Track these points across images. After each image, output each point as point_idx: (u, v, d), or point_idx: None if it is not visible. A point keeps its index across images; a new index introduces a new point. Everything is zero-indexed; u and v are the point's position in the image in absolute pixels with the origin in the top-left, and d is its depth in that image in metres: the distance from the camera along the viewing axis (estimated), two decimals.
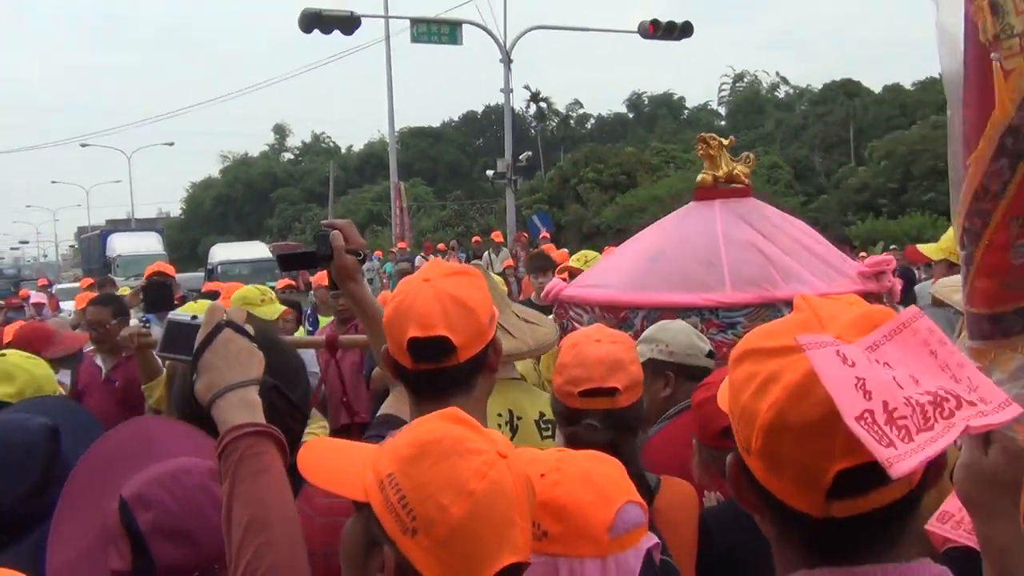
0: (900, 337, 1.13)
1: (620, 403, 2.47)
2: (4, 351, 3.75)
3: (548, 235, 22.41)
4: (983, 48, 1.57)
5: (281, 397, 1.95)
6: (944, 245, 6.54)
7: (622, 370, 2.50)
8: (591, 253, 8.12)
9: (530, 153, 35.55)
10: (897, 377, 1.09)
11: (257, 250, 33.29)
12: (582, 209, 42.40)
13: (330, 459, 1.53)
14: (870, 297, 3.98)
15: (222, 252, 32.82)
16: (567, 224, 41.12)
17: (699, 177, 4.93)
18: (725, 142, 4.88)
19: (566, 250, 12.29)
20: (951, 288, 3.72)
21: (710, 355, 3.52)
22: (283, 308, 6.72)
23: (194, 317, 1.94)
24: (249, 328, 1.82)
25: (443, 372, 2.06)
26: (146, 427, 2.26)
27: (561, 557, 1.61)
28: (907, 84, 59.36)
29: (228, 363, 1.74)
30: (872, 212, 38.65)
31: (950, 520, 1.90)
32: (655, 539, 1.71)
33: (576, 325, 4.42)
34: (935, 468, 1.18)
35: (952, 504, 1.92)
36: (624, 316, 4.41)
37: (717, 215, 4.69)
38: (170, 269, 7.55)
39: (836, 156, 49.84)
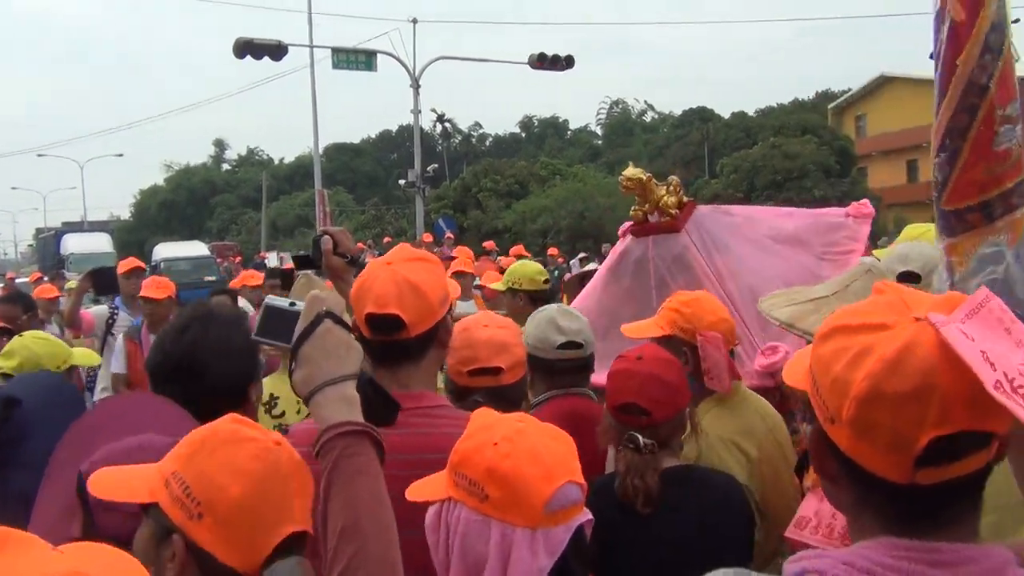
0: (979, 316, 1.06)
1: (504, 381, 2.44)
2: (22, 333, 3.73)
3: (452, 236, 22.40)
4: None
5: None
6: (910, 235, 6.20)
7: (507, 351, 2.47)
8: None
9: (436, 166, 35.39)
10: (1000, 351, 1.03)
11: (196, 248, 32.71)
12: (482, 214, 42.56)
13: (116, 473, 1.48)
14: None
15: (165, 250, 32.11)
16: (469, 227, 41.11)
17: (631, 212, 3.98)
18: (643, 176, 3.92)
19: (468, 248, 12.30)
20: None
21: (570, 345, 2.90)
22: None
23: (292, 304, 1.66)
24: (348, 319, 1.57)
25: (395, 344, 2.04)
26: (125, 403, 2.20)
27: (495, 520, 1.56)
28: (751, 112, 60.93)
29: (327, 356, 1.49)
30: None
31: (807, 526, 1.79)
32: (588, 515, 1.62)
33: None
34: (1002, 445, 1.11)
35: (808, 508, 1.84)
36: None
37: (651, 265, 3.90)
38: (142, 264, 7.29)
39: (693, 171, 50.66)
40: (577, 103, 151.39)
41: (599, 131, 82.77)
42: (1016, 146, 1.42)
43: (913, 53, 48.40)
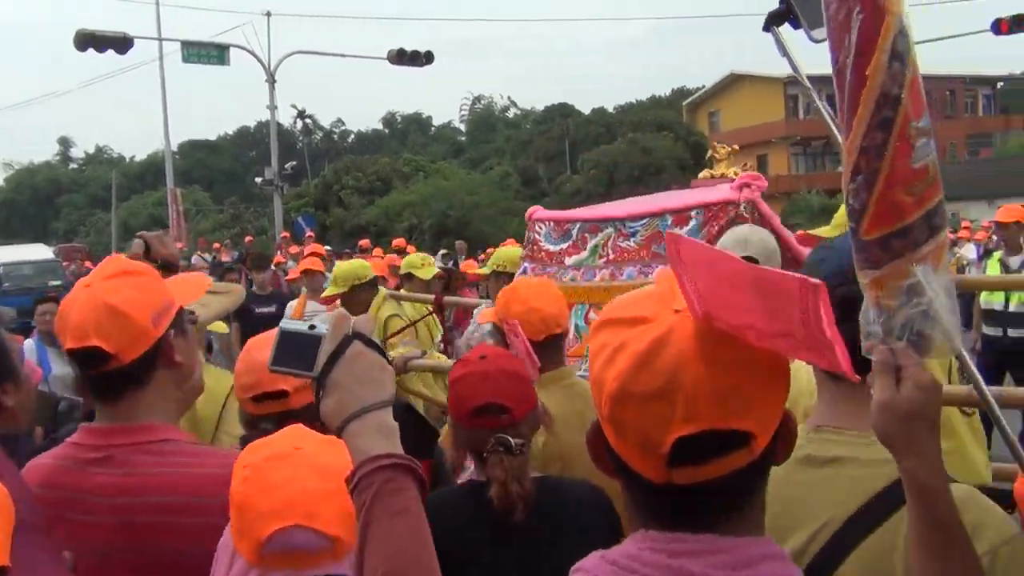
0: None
1: (292, 404, 2.15)
2: None
3: (313, 234, 21.94)
4: None
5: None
6: (840, 222, 6.56)
7: None
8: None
9: (295, 163, 34.65)
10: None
11: (39, 252, 30.83)
12: (344, 212, 41.94)
13: None
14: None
15: (5, 254, 30.16)
16: (331, 224, 40.49)
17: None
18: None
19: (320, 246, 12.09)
20: None
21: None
22: (437, 270, 7.25)
23: (312, 327, 1.45)
24: (377, 339, 1.39)
25: (110, 375, 1.84)
26: None
27: (231, 547, 1.52)
28: (610, 108, 62.20)
29: (360, 381, 1.31)
30: None
31: None
32: (338, 572, 1.49)
33: (536, 236, 4.64)
34: (783, 443, 1.11)
35: None
36: (566, 229, 4.53)
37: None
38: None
39: (556, 166, 51.32)
40: (441, 99, 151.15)
41: (463, 127, 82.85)
42: (932, 162, 1.30)
43: (760, 52, 50.44)
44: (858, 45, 1.28)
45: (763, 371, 1.06)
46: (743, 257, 2.86)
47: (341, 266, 5.99)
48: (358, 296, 5.64)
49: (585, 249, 4.38)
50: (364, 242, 21.87)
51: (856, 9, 1.29)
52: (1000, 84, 54.16)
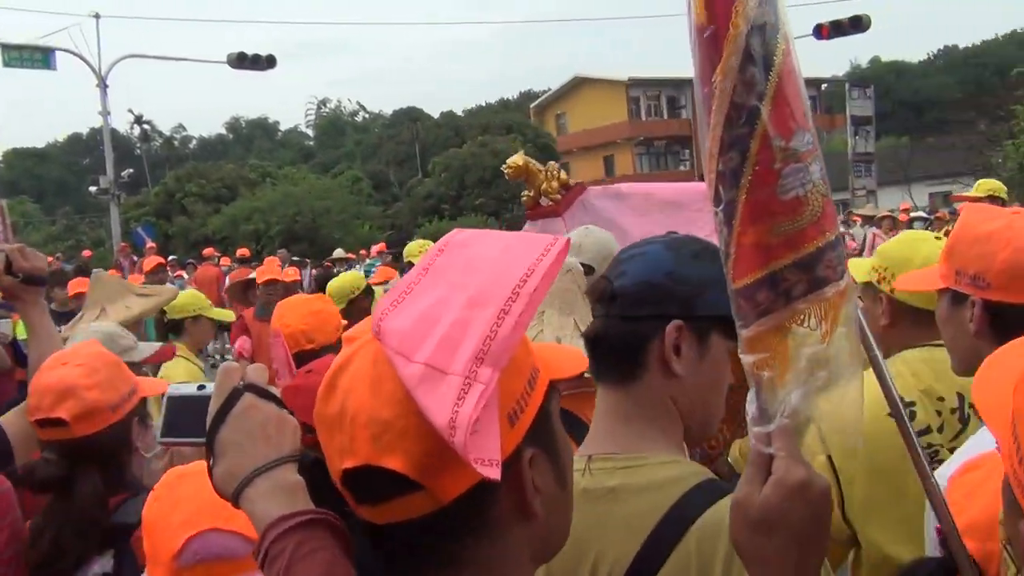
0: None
1: (74, 433, 1.98)
2: None
3: (155, 245, 21.03)
4: None
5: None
6: (988, 187, 7.08)
7: (73, 397, 2.00)
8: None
9: (133, 171, 33.11)
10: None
11: None
12: (188, 220, 40.28)
13: None
14: None
15: None
16: (174, 234, 38.84)
17: (522, 196, 4.09)
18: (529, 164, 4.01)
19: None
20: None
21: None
22: None
23: (201, 387, 1.30)
24: (275, 390, 1.22)
25: None
26: None
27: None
28: (459, 111, 62.42)
29: (252, 439, 1.13)
30: (437, 215, 40.08)
31: None
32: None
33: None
34: (511, 494, 0.96)
35: None
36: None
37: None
38: None
39: (407, 170, 51.09)
40: (288, 103, 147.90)
41: (310, 132, 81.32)
42: (814, 193, 1.02)
43: (603, 55, 51.69)
44: (703, 45, 1.05)
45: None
46: (581, 263, 2.85)
47: (334, 284, 5.89)
48: (357, 307, 5.62)
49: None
50: (209, 250, 21.13)
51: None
52: (824, 85, 57.46)
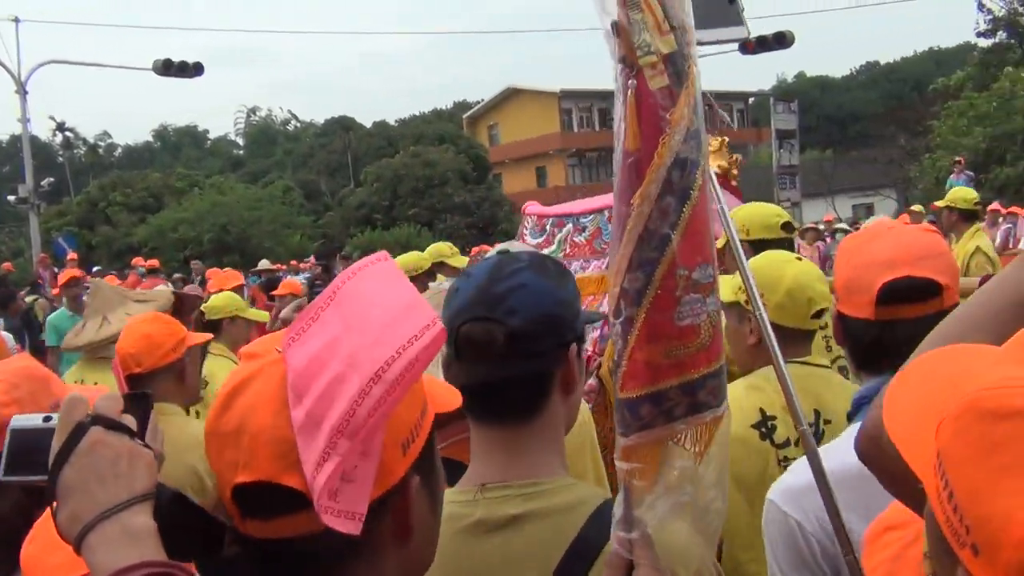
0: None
1: None
2: None
3: (76, 256, 20.44)
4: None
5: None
6: (955, 196, 7.22)
7: None
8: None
9: (53, 179, 32.18)
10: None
11: None
12: (112, 230, 39.30)
13: None
14: None
15: None
16: (98, 244, 37.86)
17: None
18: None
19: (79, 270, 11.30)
20: None
21: None
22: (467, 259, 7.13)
23: (47, 418, 1.15)
24: (129, 421, 1.08)
25: None
26: None
27: None
28: (392, 121, 62.16)
29: (100, 479, 1.01)
30: (369, 225, 39.80)
31: None
32: None
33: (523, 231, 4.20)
34: (395, 518, 1.00)
35: None
36: (542, 223, 4.28)
37: None
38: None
39: (339, 179, 50.66)
40: (218, 111, 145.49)
41: (240, 140, 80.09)
42: (707, 324, 1.08)
43: (535, 66, 52.06)
44: (629, 164, 1.09)
45: None
46: None
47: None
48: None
49: (553, 243, 4.41)
50: (138, 260, 20.60)
51: (623, 120, 1.09)
52: (751, 99, 58.69)
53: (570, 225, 4.36)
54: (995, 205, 14.16)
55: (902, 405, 0.90)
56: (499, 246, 3.74)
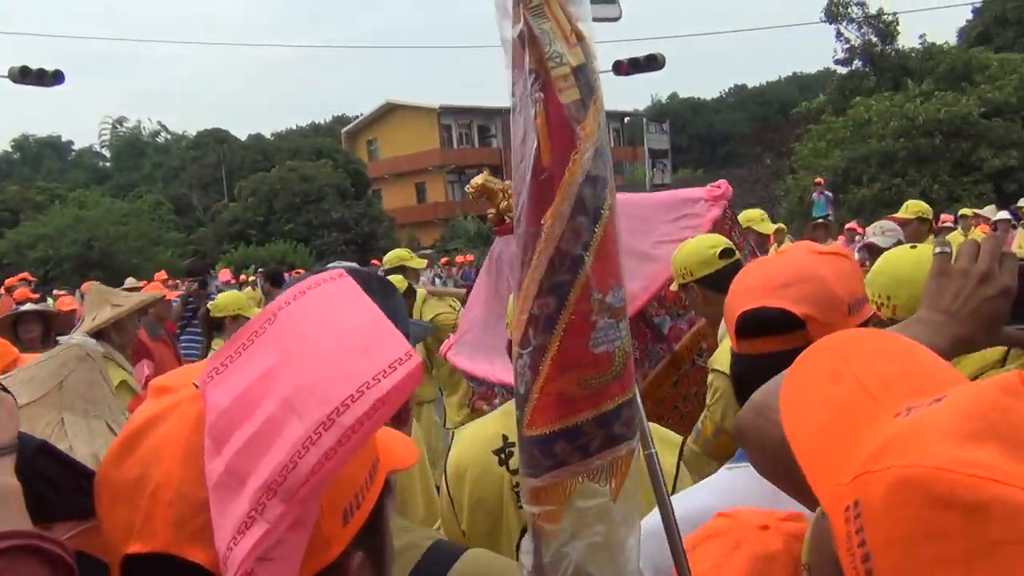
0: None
1: None
2: None
3: None
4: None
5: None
6: (914, 210, 7.14)
7: None
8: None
9: None
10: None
11: None
12: None
13: None
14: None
15: None
16: None
17: (488, 214, 4.13)
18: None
19: None
20: None
21: None
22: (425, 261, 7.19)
23: None
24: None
25: None
26: None
27: None
28: (267, 134, 60.93)
29: None
30: (244, 241, 38.85)
31: None
32: None
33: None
34: None
35: None
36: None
37: (502, 264, 4.04)
38: None
39: (212, 194, 49.25)
40: (83, 122, 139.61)
41: (106, 152, 76.92)
42: (621, 350, 1.02)
43: (413, 83, 52.03)
44: (538, 184, 1.01)
45: None
46: None
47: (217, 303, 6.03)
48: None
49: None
50: (23, 275, 19.37)
51: (532, 136, 1.01)
52: (626, 119, 60.14)
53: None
54: (852, 224, 14.93)
55: (806, 405, 0.82)
56: (332, 265, 3.67)
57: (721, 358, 3.05)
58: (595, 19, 1.53)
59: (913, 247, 2.44)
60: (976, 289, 1.16)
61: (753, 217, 7.43)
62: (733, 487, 1.57)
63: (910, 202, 8.00)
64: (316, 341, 0.78)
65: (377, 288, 1.28)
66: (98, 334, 4.50)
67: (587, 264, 0.99)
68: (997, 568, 0.61)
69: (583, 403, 1.00)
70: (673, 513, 1.07)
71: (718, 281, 3.13)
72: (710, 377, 3.16)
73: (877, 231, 7.11)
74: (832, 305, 1.59)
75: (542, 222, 1.00)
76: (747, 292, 1.64)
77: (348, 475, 0.79)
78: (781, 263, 1.70)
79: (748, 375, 1.51)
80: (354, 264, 3.63)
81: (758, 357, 1.57)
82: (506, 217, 4.00)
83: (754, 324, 1.59)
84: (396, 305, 1.32)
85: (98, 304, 4.73)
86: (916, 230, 7.36)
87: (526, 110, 1.01)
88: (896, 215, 7.67)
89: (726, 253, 3.29)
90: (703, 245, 3.33)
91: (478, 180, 4.10)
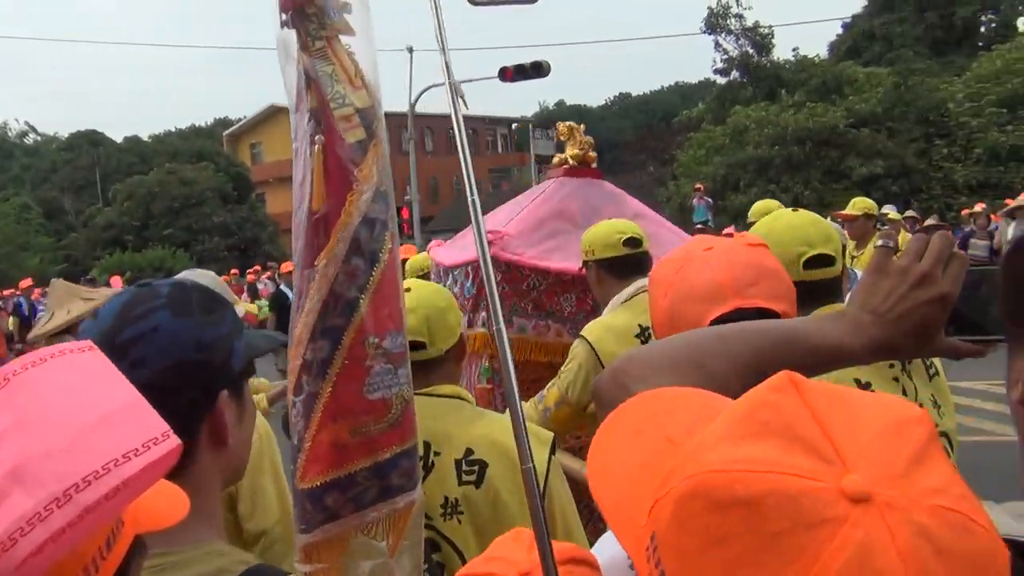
0: None
1: None
2: None
3: None
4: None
5: None
6: (758, 209, 6.61)
7: None
8: None
9: None
10: None
11: None
12: None
13: None
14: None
15: None
16: None
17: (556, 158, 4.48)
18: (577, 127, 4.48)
19: None
20: None
21: None
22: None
23: None
24: None
25: None
26: None
27: None
28: (145, 136, 58.89)
29: None
30: (119, 247, 37.43)
31: None
32: None
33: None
34: None
35: None
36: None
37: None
38: None
39: (86, 198, 47.21)
40: None
41: None
42: (399, 397, 0.97)
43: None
44: (315, 224, 0.97)
45: None
46: None
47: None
48: None
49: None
50: None
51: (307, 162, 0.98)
52: (514, 125, 60.61)
53: (449, 279, 4.20)
54: (730, 229, 15.36)
55: (611, 463, 0.80)
56: (185, 273, 3.48)
57: (594, 329, 3.04)
58: (510, 2, 1.45)
59: (795, 211, 2.38)
60: (910, 291, 1.04)
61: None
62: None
63: (857, 199, 7.93)
64: (57, 410, 0.71)
65: (198, 303, 1.20)
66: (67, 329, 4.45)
67: (362, 307, 0.94)
68: (782, 559, 0.60)
69: (357, 451, 0.94)
70: (547, 530, 1.04)
71: (615, 267, 3.23)
72: (574, 343, 3.10)
73: None
74: (792, 296, 1.59)
75: (316, 263, 0.94)
76: (709, 295, 1.51)
77: (76, 547, 0.70)
78: (730, 261, 1.59)
79: None
80: (197, 272, 3.45)
81: None
82: (570, 160, 4.37)
83: None
84: (221, 320, 1.21)
85: (68, 299, 4.63)
86: (862, 227, 7.31)
87: (305, 152, 0.97)
88: (843, 211, 7.62)
89: (631, 242, 3.29)
90: (613, 229, 3.34)
91: (566, 125, 4.56)
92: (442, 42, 1.55)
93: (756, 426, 0.66)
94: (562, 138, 4.56)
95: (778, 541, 0.60)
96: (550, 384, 3.11)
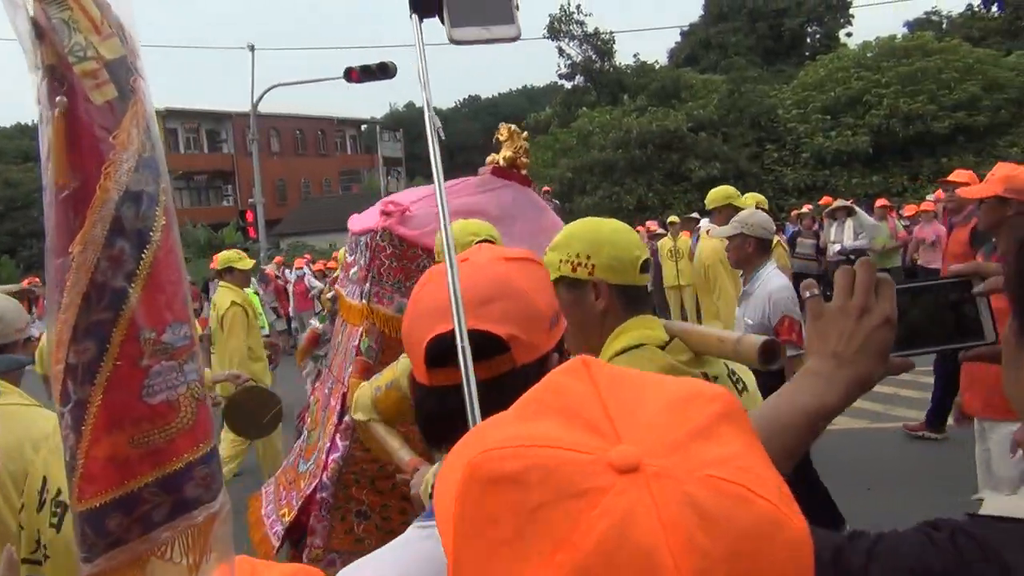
0: None
1: None
2: None
3: None
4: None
5: None
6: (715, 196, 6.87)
7: None
8: None
9: None
10: None
11: None
12: None
13: None
14: None
15: None
16: None
17: (489, 159, 4.55)
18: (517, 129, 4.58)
19: None
20: None
21: None
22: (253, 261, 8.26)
23: None
24: None
25: None
26: None
27: None
28: None
29: None
30: None
31: None
32: None
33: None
34: None
35: None
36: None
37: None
38: None
39: None
40: None
41: None
42: (188, 397, 0.86)
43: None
44: (63, 200, 0.84)
45: None
46: None
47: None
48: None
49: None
50: None
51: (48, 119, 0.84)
52: (364, 126, 59.96)
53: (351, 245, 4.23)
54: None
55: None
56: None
57: None
58: (494, 40, 1.34)
59: (607, 220, 2.43)
60: (857, 325, 1.13)
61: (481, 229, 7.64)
62: (420, 555, 1.18)
63: (749, 194, 8.17)
64: None
65: None
66: None
67: (132, 298, 0.82)
68: (544, 533, 0.59)
69: (141, 465, 0.83)
70: None
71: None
72: None
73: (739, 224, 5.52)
74: (535, 322, 1.34)
75: (70, 251, 0.82)
76: (437, 313, 1.31)
77: None
78: (474, 275, 1.36)
79: (440, 412, 1.29)
80: None
81: (455, 389, 1.23)
82: (500, 161, 4.46)
83: (450, 351, 1.24)
84: None
85: None
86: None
87: (45, 119, 0.84)
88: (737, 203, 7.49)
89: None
90: (465, 231, 3.26)
91: (507, 128, 4.69)
92: (423, 78, 1.53)
93: (540, 406, 0.67)
94: (501, 139, 4.62)
95: (540, 514, 0.60)
96: (392, 364, 3.03)
